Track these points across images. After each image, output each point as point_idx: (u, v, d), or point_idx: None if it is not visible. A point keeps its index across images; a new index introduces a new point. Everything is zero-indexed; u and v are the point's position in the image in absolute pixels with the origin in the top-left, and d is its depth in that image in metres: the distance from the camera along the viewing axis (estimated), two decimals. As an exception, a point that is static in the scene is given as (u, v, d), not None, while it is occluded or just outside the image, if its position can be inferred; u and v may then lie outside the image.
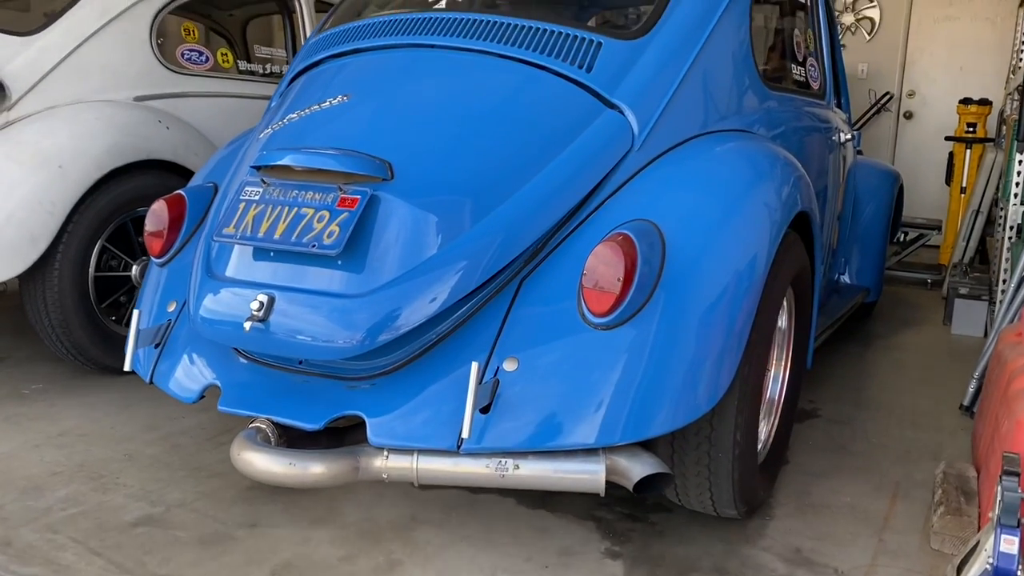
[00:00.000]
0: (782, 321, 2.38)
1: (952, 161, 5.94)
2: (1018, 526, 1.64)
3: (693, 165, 2.12)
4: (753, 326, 1.94)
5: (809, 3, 3.16)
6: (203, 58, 3.63)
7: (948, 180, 6.02)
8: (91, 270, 3.11)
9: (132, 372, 2.26)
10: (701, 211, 1.99)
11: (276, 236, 1.84)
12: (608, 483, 1.85)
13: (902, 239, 5.87)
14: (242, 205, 1.94)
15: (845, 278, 4.07)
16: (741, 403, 1.96)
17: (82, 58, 3.23)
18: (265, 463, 1.79)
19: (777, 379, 2.43)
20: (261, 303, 1.81)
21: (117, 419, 2.86)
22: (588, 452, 1.80)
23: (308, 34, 4.06)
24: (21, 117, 3.10)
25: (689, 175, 2.08)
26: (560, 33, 2.15)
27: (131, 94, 3.34)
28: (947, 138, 6.02)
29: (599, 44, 2.15)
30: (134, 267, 3.26)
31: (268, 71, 3.94)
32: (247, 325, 1.81)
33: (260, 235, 1.86)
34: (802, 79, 3.01)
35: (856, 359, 3.86)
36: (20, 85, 3.12)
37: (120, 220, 3.18)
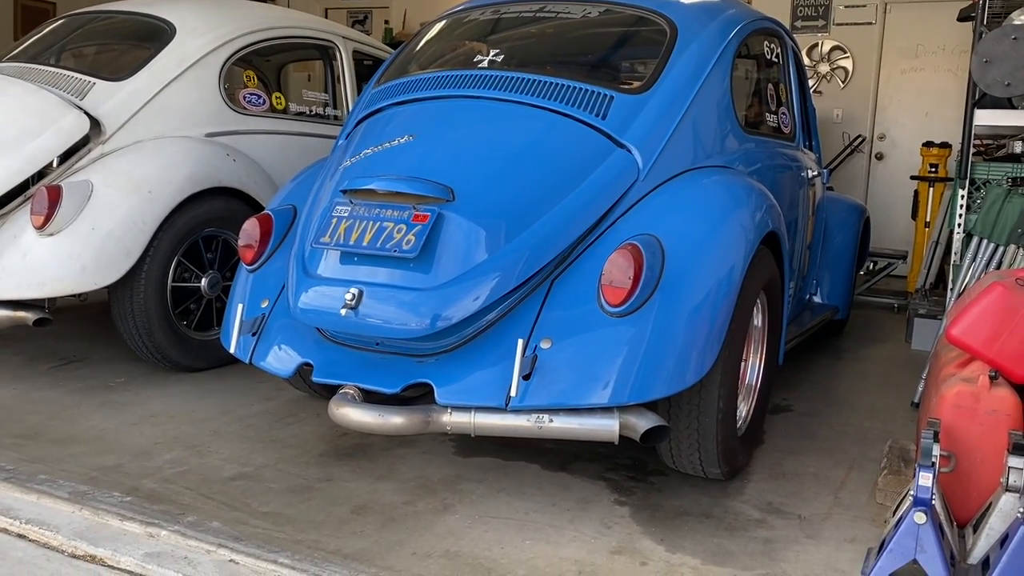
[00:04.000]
0: (757, 320, 2.92)
1: (917, 198, 6.55)
2: (932, 466, 2.17)
3: (686, 193, 2.67)
4: (731, 319, 2.48)
5: (781, 61, 3.76)
6: (261, 100, 4.19)
7: (914, 215, 6.63)
8: (169, 281, 3.63)
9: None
10: (692, 229, 2.53)
11: (364, 243, 2.38)
12: (619, 444, 2.37)
13: (871, 268, 6.44)
14: (334, 220, 2.48)
15: (817, 298, 4.62)
16: (723, 378, 2.49)
17: (164, 100, 3.79)
18: (359, 415, 2.31)
19: (754, 368, 2.97)
20: (354, 295, 2.34)
21: (197, 405, 3.37)
22: (605, 410, 2.32)
23: (347, 79, 4.64)
24: (114, 150, 3.64)
25: (683, 201, 2.63)
26: (581, 88, 2.72)
27: (203, 131, 3.89)
28: (912, 177, 6.65)
29: (611, 97, 2.72)
30: (203, 279, 3.78)
31: (313, 112, 4.51)
32: (343, 312, 2.34)
33: (351, 242, 2.40)
34: (775, 125, 3.59)
35: (827, 368, 4.41)
36: (113, 122, 3.68)
37: (193, 239, 3.72)
